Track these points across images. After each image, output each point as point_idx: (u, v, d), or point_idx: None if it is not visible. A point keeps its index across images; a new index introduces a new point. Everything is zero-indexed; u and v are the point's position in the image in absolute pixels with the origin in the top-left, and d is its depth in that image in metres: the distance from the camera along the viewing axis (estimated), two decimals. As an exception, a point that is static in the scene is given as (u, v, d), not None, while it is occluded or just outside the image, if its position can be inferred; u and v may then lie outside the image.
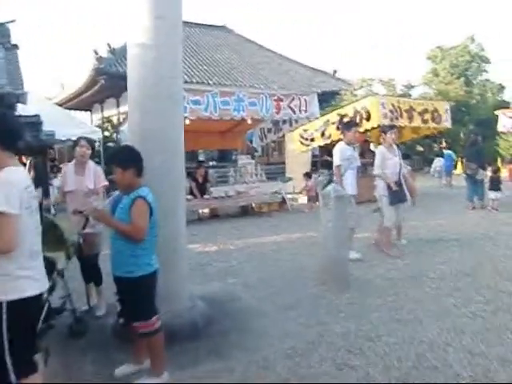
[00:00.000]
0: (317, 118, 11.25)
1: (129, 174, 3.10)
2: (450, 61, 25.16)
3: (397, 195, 6.26)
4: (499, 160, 16.86)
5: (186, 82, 15.95)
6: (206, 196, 10.39)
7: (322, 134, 11.21)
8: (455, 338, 3.78)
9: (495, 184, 9.98)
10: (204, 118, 9.13)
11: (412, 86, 23.65)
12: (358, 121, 10.18)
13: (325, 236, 5.23)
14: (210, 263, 6.48)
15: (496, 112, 14.53)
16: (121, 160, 3.16)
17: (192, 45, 20.94)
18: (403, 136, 13.33)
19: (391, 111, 10.94)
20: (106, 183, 4.61)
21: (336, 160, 6.05)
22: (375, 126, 10.51)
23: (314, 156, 13.10)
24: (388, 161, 6.34)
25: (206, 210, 10.78)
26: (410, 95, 20.74)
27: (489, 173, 10.40)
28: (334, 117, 11.20)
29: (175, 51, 4.07)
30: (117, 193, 3.33)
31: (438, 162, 17.11)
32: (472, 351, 3.54)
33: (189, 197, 9.99)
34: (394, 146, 6.54)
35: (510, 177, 12.61)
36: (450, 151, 16.62)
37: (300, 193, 11.67)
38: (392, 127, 6.81)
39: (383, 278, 5.46)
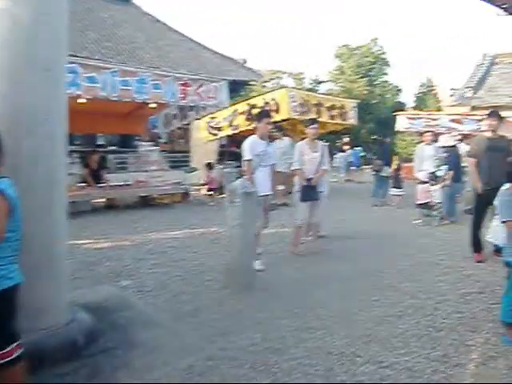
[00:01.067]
0: (226, 107, 10.81)
1: (-14, 160, 2.38)
2: (356, 60, 26.20)
3: (308, 193, 6.03)
4: (396, 158, 17.80)
5: (87, 57, 14.56)
6: (101, 184, 9.45)
7: (230, 124, 10.82)
8: (363, 347, 3.59)
9: (397, 182, 10.41)
10: (101, 97, 8.21)
11: (320, 82, 24.22)
12: (267, 112, 9.91)
13: (230, 235, 4.80)
14: (101, 262, 5.74)
15: (395, 113, 15.25)
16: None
17: (94, 18, 19.25)
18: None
19: (301, 105, 10.85)
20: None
21: (245, 154, 5.48)
22: (284, 118, 10.34)
23: (221, 146, 12.64)
24: (305, 156, 6.08)
25: (102, 200, 9.84)
26: (317, 90, 21.16)
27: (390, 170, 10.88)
28: (242, 107, 10.86)
29: (57, 11, 3.33)
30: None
31: (341, 158, 17.66)
32: (380, 362, 3.36)
33: (82, 184, 9.02)
34: (318, 142, 6.24)
35: (407, 175, 13.23)
36: (358, 148, 17.31)
37: (204, 184, 11.13)
38: (314, 121, 6.44)
39: (291, 279, 5.20)
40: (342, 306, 4.42)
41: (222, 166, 11.33)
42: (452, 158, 8.84)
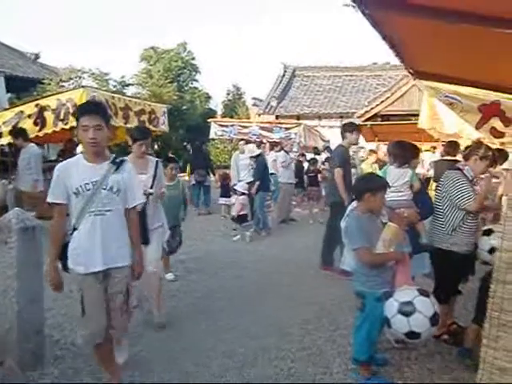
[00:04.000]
0: (6, 109, 8.62)
1: None
2: (164, 64, 25.32)
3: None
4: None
5: None
6: None
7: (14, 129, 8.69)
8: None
9: (224, 190, 9.91)
10: None
11: (127, 85, 22.56)
12: (62, 116, 8.23)
13: (6, 289, 3.32)
14: None
15: (209, 120, 14.92)
16: None
17: None
18: (117, 137, 12.06)
19: (105, 108, 9.39)
20: None
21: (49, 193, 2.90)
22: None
23: (3, 155, 10.17)
24: None
25: None
26: (124, 94, 19.54)
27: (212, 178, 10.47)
28: (30, 108, 8.81)
29: None
30: None
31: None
32: None
33: None
34: (149, 159, 4.36)
35: (220, 181, 12.95)
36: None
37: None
38: (143, 132, 4.37)
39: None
40: (169, 347, 3.42)
41: (4, 181, 9.05)
42: (259, 167, 8.60)
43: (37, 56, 19.37)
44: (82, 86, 9.78)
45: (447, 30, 3.09)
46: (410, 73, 4.83)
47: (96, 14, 58.69)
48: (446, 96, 5.32)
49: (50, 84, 17.02)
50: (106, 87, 18.70)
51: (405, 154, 3.77)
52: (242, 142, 9.87)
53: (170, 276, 5.54)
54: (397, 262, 3.12)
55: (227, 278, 5.66)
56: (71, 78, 18.63)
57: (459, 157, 6.35)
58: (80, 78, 18.99)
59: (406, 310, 2.84)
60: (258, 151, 9.10)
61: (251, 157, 8.85)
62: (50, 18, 64.44)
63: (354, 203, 3.24)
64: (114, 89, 19.86)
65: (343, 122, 6.67)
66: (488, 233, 3.60)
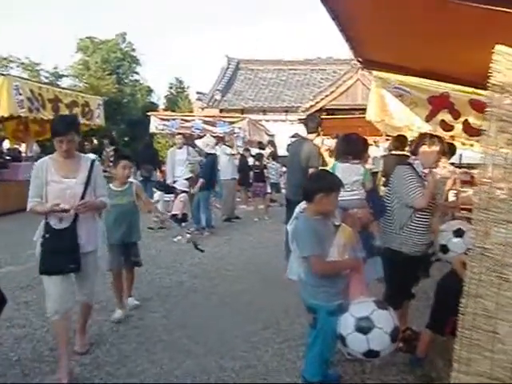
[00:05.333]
0: None
1: None
2: (102, 55, 24.02)
3: (54, 256, 3.06)
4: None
5: None
6: None
7: None
8: None
9: (162, 185, 9.32)
10: None
11: (60, 76, 21.15)
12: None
13: None
14: None
15: (149, 113, 14.17)
16: None
17: None
18: (48, 132, 11.14)
19: (30, 99, 8.55)
20: None
21: None
22: (6, 115, 7.91)
23: None
24: (50, 185, 3.11)
25: None
26: (58, 86, 18.27)
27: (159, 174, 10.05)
28: None
29: None
30: None
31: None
32: None
33: None
34: (83, 157, 3.34)
35: (163, 177, 12.36)
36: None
37: None
38: (67, 126, 3.12)
39: None
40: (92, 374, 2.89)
41: None
42: (208, 166, 8.08)
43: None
44: (2, 74, 8.86)
45: (399, 13, 2.82)
46: (358, 61, 4.54)
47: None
48: (396, 88, 5.10)
49: (-29, 73, 15.51)
50: (37, 78, 17.36)
51: (353, 148, 3.43)
52: (178, 137, 9.28)
53: (131, 301, 4.46)
54: (351, 269, 2.77)
55: (164, 286, 5.13)
56: (-3, 67, 17.15)
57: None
58: (7, 67, 17.50)
59: (364, 327, 2.49)
60: (212, 150, 8.50)
61: (207, 154, 8.28)
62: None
63: (303, 204, 2.84)
64: (47, 80, 18.49)
65: (313, 114, 6.18)
66: (460, 234, 3.32)
